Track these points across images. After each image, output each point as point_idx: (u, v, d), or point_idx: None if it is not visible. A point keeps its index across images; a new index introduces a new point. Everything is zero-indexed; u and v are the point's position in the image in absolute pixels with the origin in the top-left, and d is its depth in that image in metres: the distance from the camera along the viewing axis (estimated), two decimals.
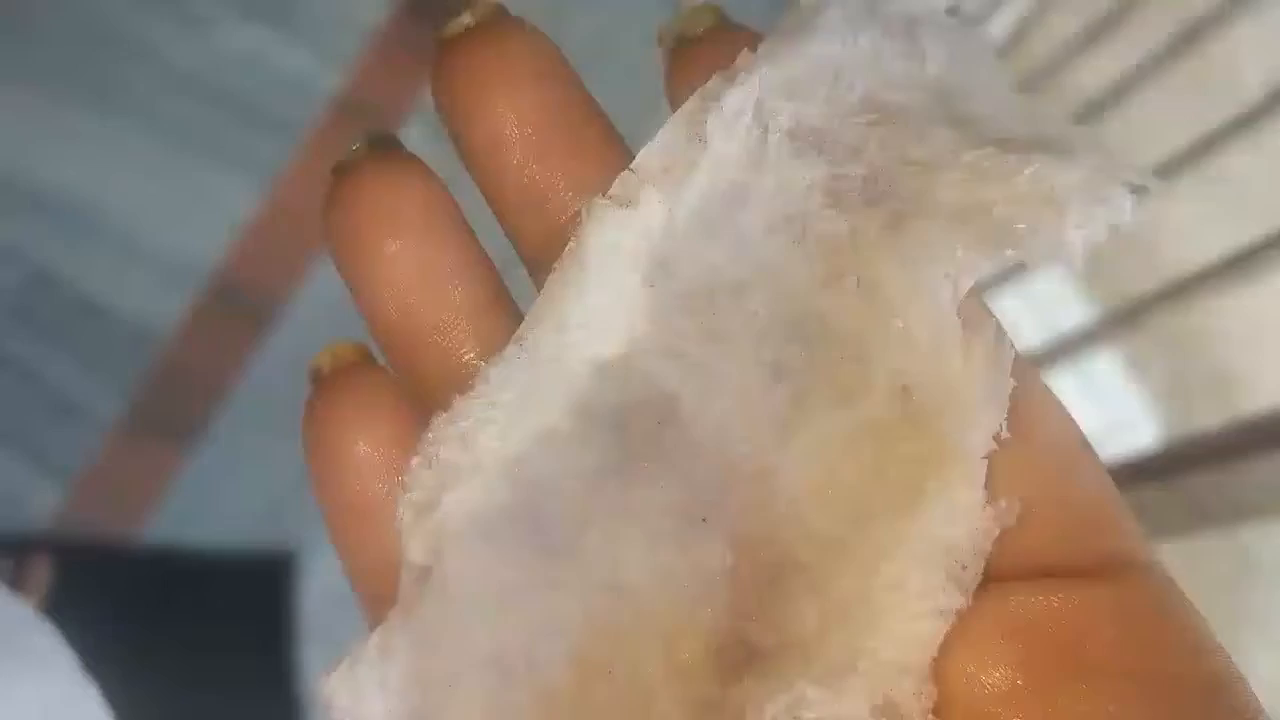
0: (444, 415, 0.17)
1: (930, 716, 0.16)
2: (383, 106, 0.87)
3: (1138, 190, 0.16)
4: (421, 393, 0.18)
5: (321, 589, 0.79)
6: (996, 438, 0.16)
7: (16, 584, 0.78)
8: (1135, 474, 0.51)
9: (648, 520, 0.17)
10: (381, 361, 0.18)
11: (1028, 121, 0.17)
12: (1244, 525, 0.52)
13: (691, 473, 0.17)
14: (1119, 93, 0.54)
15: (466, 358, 0.17)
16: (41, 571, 0.81)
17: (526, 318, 0.17)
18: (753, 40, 0.18)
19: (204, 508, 0.83)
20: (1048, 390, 0.17)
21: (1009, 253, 0.16)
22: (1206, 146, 0.49)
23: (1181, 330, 0.98)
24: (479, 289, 0.18)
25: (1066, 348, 0.53)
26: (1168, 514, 0.53)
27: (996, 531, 0.16)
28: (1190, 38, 0.52)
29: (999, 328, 0.16)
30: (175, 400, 0.86)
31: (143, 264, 0.88)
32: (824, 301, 0.16)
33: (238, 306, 0.85)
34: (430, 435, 0.17)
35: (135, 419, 0.86)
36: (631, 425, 0.17)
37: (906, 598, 0.16)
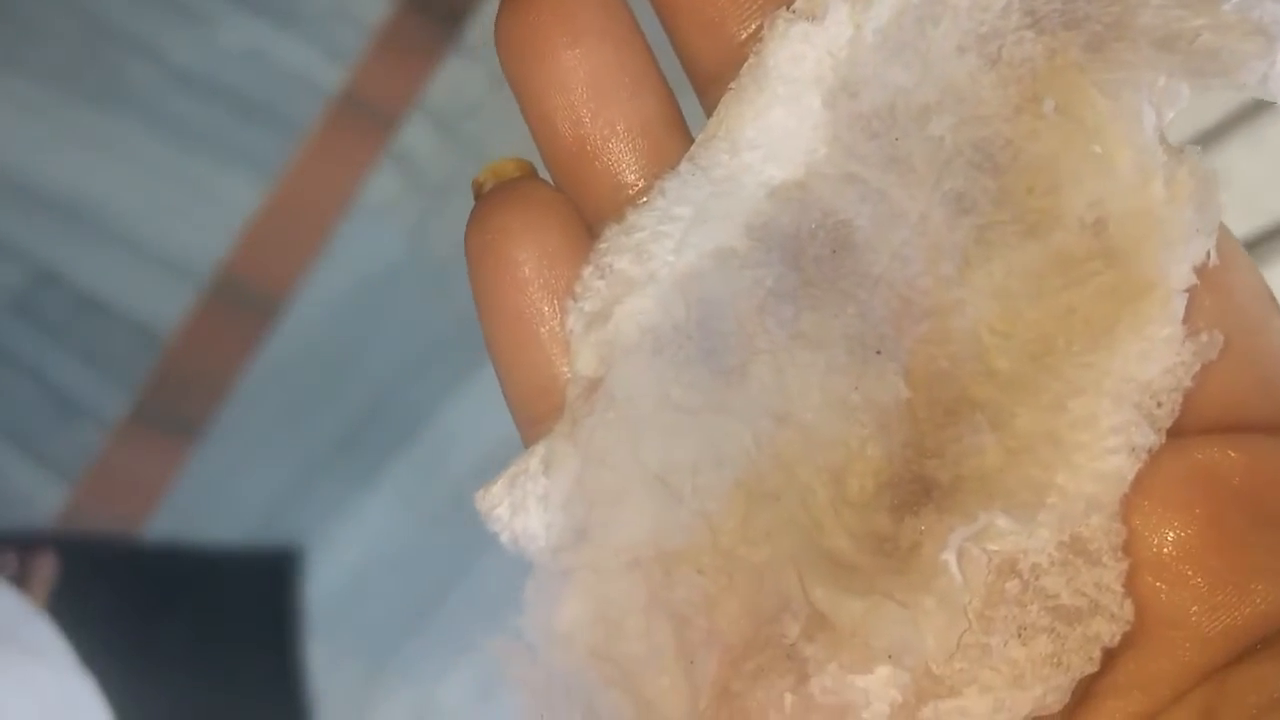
0: (617, 225, 0.17)
1: (1120, 553, 0.15)
2: (386, 103, 0.87)
3: None
4: (586, 211, 0.17)
5: (325, 586, 0.79)
6: (1200, 270, 0.15)
7: (21, 581, 0.78)
8: None
9: (819, 349, 0.16)
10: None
11: None
12: None
13: (866, 303, 0.16)
14: None
15: (634, 177, 0.17)
16: (46, 568, 0.81)
17: (700, 135, 0.17)
18: None
19: (208, 504, 0.83)
20: (1243, 254, 0.16)
21: (1212, 81, 0.15)
22: (1206, 142, 0.49)
23: None
24: (653, 105, 0.17)
25: None
26: None
27: (1197, 366, 0.15)
28: None
29: (1203, 157, 0.16)
30: (179, 397, 0.86)
31: (146, 261, 0.88)
32: (1016, 127, 0.16)
33: (241, 303, 0.85)
34: (603, 245, 0.17)
35: (139, 416, 0.86)
36: (806, 251, 0.17)
37: (1097, 434, 0.15)
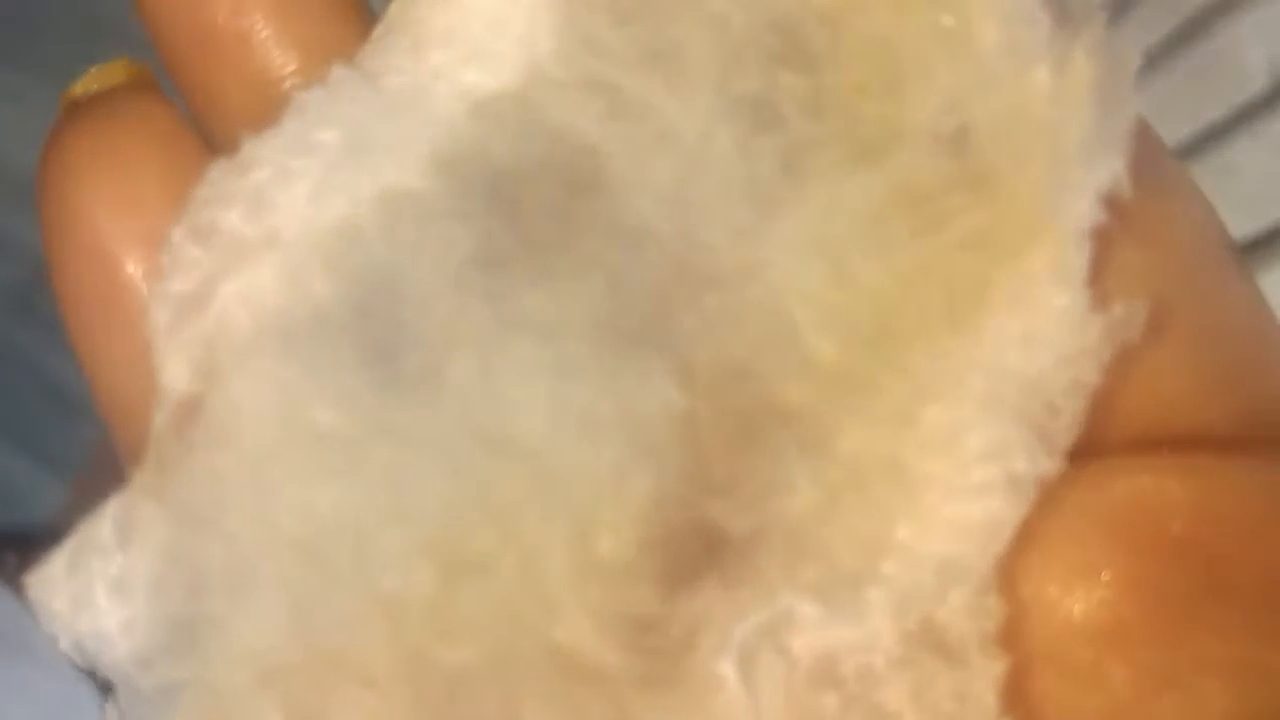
0: (226, 161, 0.12)
1: (995, 649, 0.10)
2: None
3: None
4: (217, 137, 0.12)
5: None
6: (1112, 202, 0.10)
7: (18, 578, 0.78)
8: None
9: (551, 339, 0.11)
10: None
11: None
12: None
13: (622, 269, 0.11)
14: None
15: (283, 85, 0.12)
16: None
17: (373, 34, 0.12)
18: None
19: None
20: (1190, 180, 0.11)
21: None
22: (1210, 138, 0.49)
23: None
24: None
25: None
26: None
27: (1108, 354, 0.10)
28: (1195, 28, 0.52)
29: (1107, 27, 0.11)
30: None
31: None
32: None
33: None
34: (204, 192, 0.12)
35: None
36: (530, 194, 0.11)
37: (959, 460, 0.10)
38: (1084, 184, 0.10)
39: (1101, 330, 0.10)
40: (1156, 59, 0.55)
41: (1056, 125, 0.10)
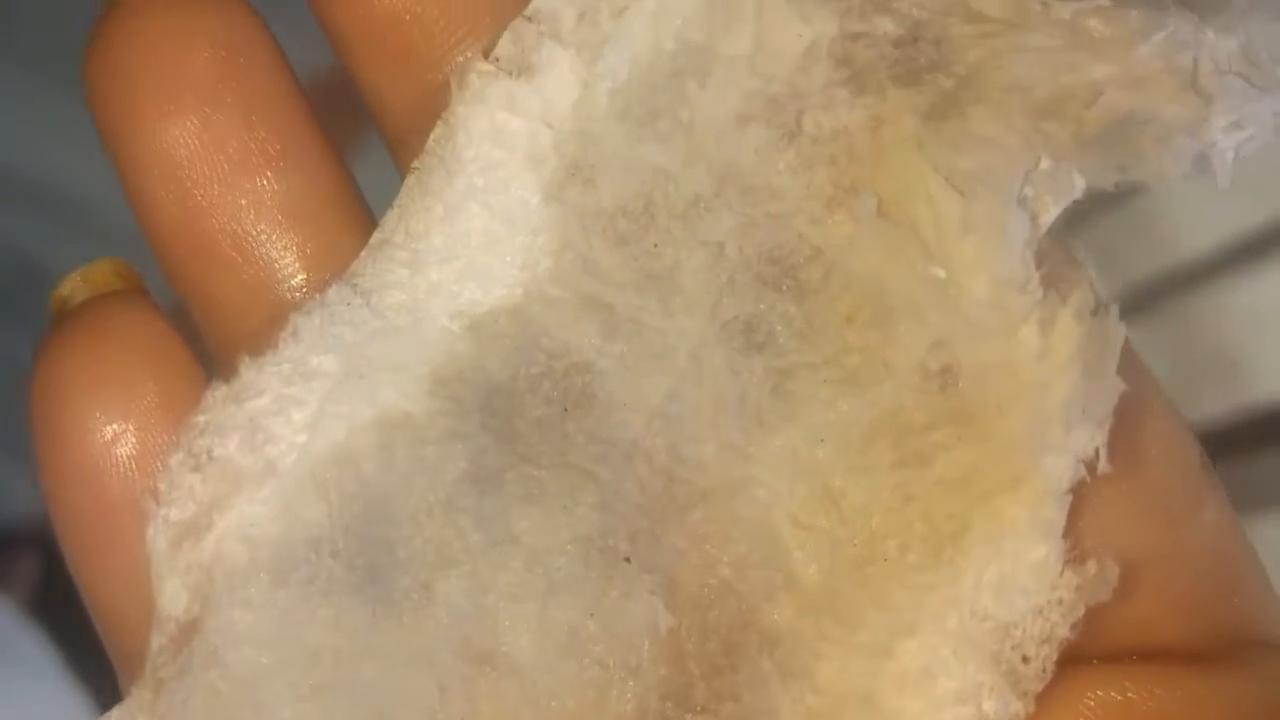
0: (223, 388, 0.12)
1: None
2: None
3: None
4: (216, 342, 0.12)
5: None
6: (1090, 465, 0.11)
7: (3, 579, 0.77)
8: None
9: (540, 556, 0.11)
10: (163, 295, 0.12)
11: None
12: (1256, 515, 0.52)
13: (612, 486, 0.11)
14: None
15: (283, 290, 0.12)
16: (28, 566, 0.80)
17: (371, 239, 0.12)
18: None
19: None
20: (1165, 399, 0.12)
21: (1121, 167, 0.11)
22: None
23: (1187, 315, 0.98)
24: (305, 185, 0.12)
25: None
26: None
27: (1080, 610, 0.11)
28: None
29: (1095, 288, 0.11)
30: None
31: (128, 253, 0.87)
32: (827, 230, 0.11)
33: None
34: (201, 418, 0.12)
35: None
36: (524, 411, 0.12)
37: (932, 700, 0.11)
38: (1065, 446, 0.10)
39: (1074, 587, 0.11)
40: None
41: (1041, 383, 0.11)
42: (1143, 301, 0.53)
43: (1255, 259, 0.48)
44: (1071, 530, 0.11)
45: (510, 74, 0.11)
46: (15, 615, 0.61)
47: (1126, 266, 0.82)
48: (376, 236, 0.12)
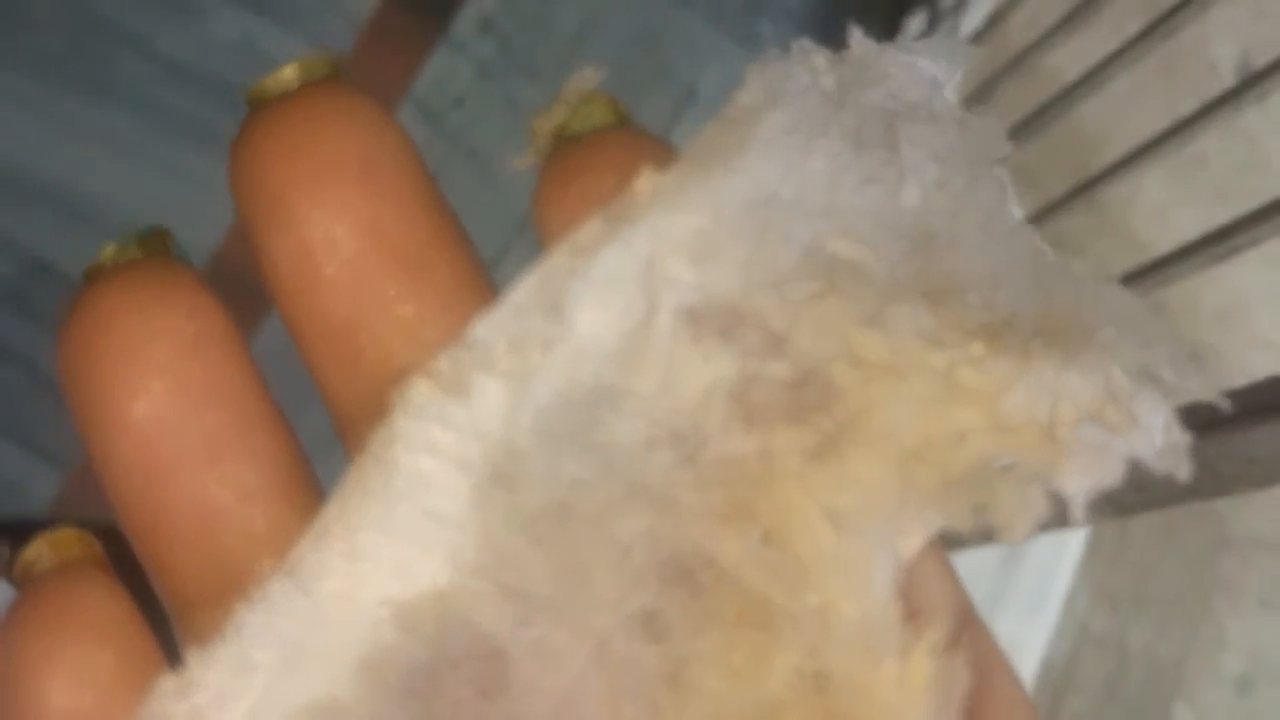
0: (172, 680, 0.13)
1: None
2: (374, 94, 0.87)
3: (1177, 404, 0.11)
4: (171, 604, 0.13)
5: None
6: None
7: (13, 569, 0.79)
8: None
9: None
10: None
11: (1038, 284, 0.12)
12: (1225, 496, 0.53)
13: None
14: (1094, 77, 0.55)
15: (235, 562, 0.13)
16: None
17: (305, 537, 0.13)
18: (658, 154, 0.13)
19: None
20: (1017, 690, 0.13)
21: (979, 510, 0.11)
22: (1179, 130, 0.50)
23: (1159, 309, 1.00)
24: (259, 465, 0.13)
25: None
26: (1151, 484, 0.54)
27: None
28: (1164, 22, 0.53)
29: (961, 618, 0.12)
30: None
31: None
32: (720, 543, 0.12)
33: (233, 293, 0.86)
34: (149, 709, 0.12)
35: None
36: (441, 693, 0.12)
37: None
38: None
39: None
40: (1128, 53, 0.56)
41: (899, 706, 0.12)
42: None
43: (1218, 256, 0.49)
44: None
45: (446, 393, 0.13)
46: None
47: (1100, 262, 0.83)
48: (318, 524, 0.13)
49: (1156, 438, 0.11)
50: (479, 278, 0.13)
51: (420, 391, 0.13)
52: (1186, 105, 0.53)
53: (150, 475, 0.13)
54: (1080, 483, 0.11)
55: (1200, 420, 0.52)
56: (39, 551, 0.13)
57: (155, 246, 0.14)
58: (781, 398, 0.12)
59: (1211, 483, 0.57)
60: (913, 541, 0.12)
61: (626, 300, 0.12)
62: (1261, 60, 0.50)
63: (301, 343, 0.13)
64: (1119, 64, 0.55)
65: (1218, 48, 0.88)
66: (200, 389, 0.13)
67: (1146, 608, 0.89)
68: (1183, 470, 0.10)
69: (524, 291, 0.13)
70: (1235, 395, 0.53)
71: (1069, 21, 0.56)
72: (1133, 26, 0.56)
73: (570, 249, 0.12)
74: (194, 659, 0.12)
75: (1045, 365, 0.11)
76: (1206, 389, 0.11)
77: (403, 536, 0.13)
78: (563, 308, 0.12)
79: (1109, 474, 0.11)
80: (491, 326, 0.13)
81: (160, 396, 0.12)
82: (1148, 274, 0.51)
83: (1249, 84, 0.48)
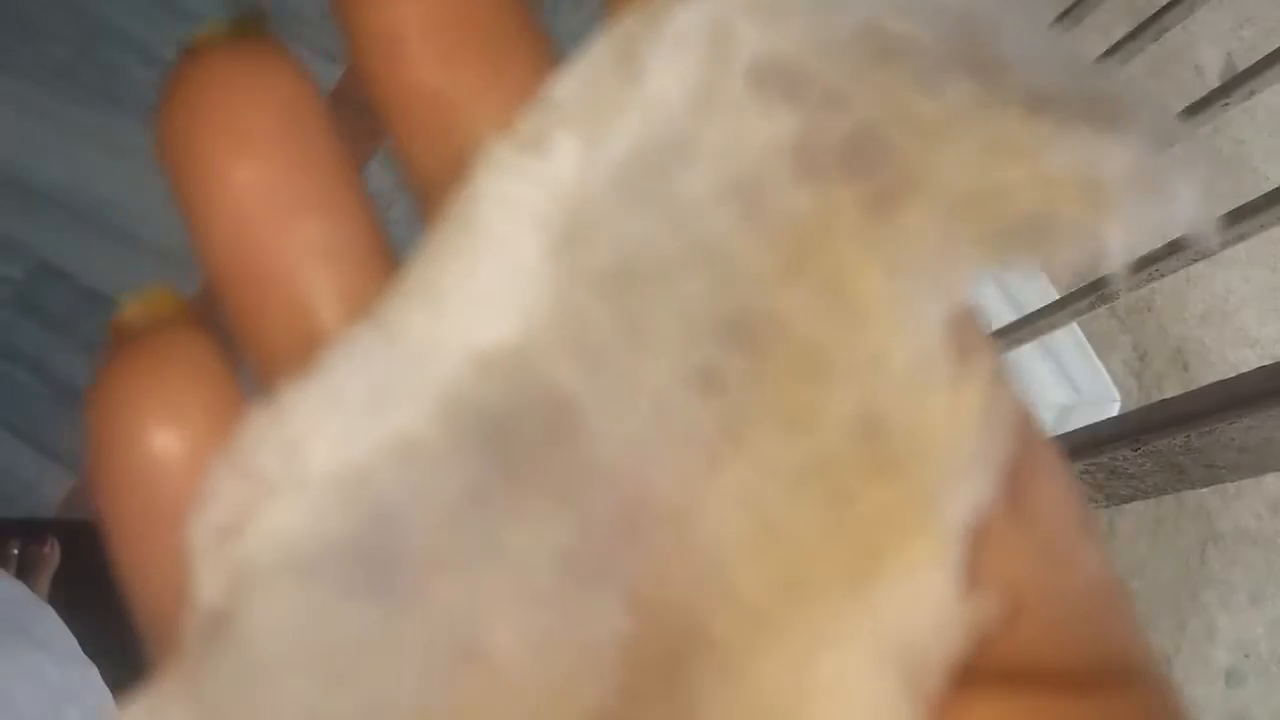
0: (264, 410, 0.13)
1: None
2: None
3: (1208, 184, 0.12)
4: (267, 370, 0.14)
5: None
6: (986, 510, 0.12)
7: (24, 568, 0.80)
8: (1109, 438, 0.52)
9: (524, 566, 0.13)
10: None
11: (1069, 72, 0.13)
12: (1216, 484, 0.54)
13: (587, 506, 0.13)
14: None
15: (324, 320, 0.14)
16: (50, 554, 0.83)
17: (389, 292, 0.14)
18: None
19: None
20: (1053, 452, 0.13)
21: (1026, 257, 0.12)
22: (1197, 109, 0.51)
23: (1142, 307, 1.00)
24: (346, 228, 0.14)
25: (1031, 323, 0.55)
26: (1144, 474, 0.55)
27: (972, 636, 0.12)
28: (1151, 25, 0.54)
29: (999, 362, 0.13)
30: None
31: (145, 254, 0.90)
32: (778, 297, 0.13)
33: None
34: (245, 436, 0.13)
35: None
36: (517, 438, 0.13)
37: (843, 701, 0.12)
38: (966, 493, 0.12)
39: (968, 617, 0.12)
40: (1115, 56, 0.57)
41: (951, 438, 0.12)
42: (1101, 293, 0.55)
43: (1208, 255, 0.50)
44: (968, 566, 0.12)
45: (525, 150, 0.13)
46: (40, 601, 0.63)
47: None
48: (401, 280, 0.13)
49: (1189, 207, 0.12)
50: (554, 65, 0.14)
51: (501, 150, 0.13)
52: (1174, 106, 0.54)
53: (248, 238, 0.13)
54: (1118, 239, 0.12)
55: (1193, 412, 0.53)
56: (132, 313, 0.14)
57: (250, 26, 0.14)
58: (840, 155, 0.13)
59: (1205, 471, 0.58)
60: (963, 287, 0.12)
61: (696, 59, 0.13)
62: (1245, 63, 0.51)
63: (386, 117, 0.14)
64: (1107, 66, 0.56)
65: (1204, 50, 0.88)
66: (299, 154, 0.13)
67: (1136, 602, 0.90)
68: (1212, 241, 0.11)
69: (597, 54, 0.13)
70: (1225, 388, 0.54)
71: (1058, 24, 0.57)
72: (1120, 30, 0.57)
73: (641, 13, 0.13)
74: (287, 390, 0.13)
75: (1085, 130, 0.12)
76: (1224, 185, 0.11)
77: (482, 290, 0.13)
78: (635, 68, 0.13)
79: (1144, 234, 0.11)
80: (567, 87, 0.13)
81: (263, 160, 0.13)
82: (1136, 271, 0.52)
83: (1233, 85, 0.49)
